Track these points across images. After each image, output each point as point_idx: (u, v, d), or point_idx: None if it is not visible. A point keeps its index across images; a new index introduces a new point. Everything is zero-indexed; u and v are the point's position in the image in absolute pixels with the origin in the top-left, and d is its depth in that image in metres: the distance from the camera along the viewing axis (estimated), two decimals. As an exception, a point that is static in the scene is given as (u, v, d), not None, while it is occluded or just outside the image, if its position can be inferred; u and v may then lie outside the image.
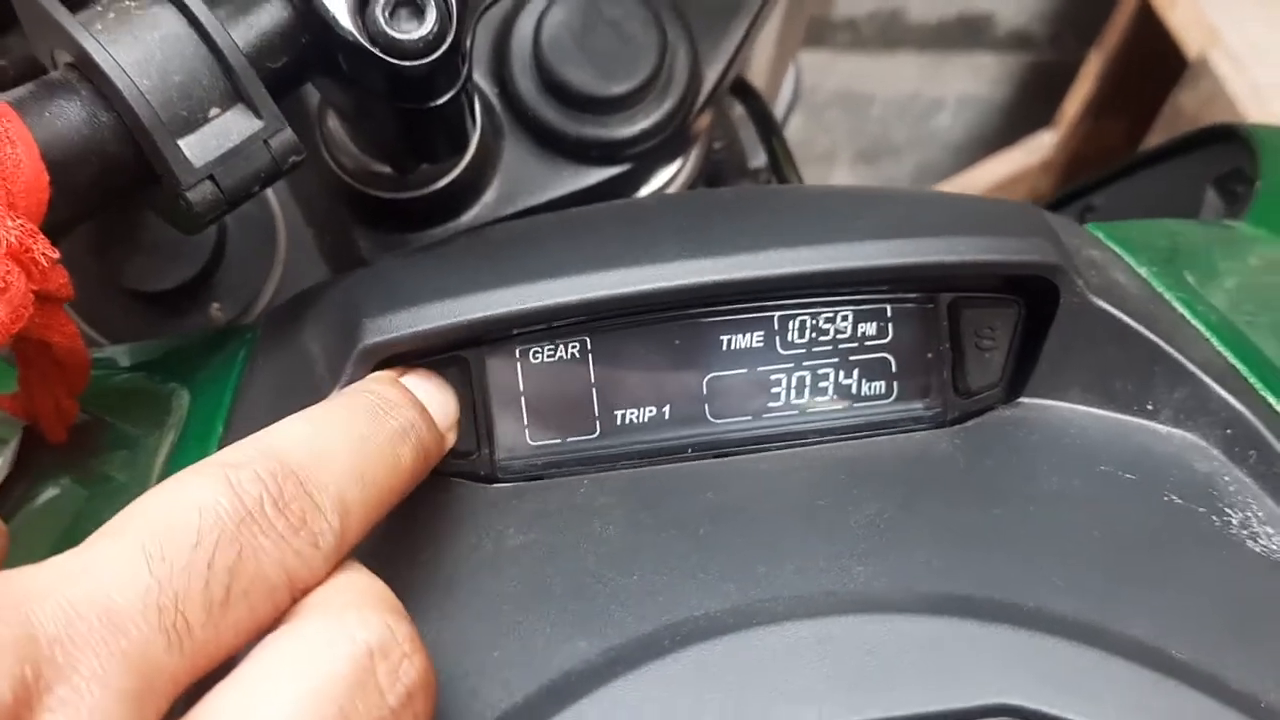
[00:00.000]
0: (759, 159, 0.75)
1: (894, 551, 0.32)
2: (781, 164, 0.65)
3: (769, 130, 0.66)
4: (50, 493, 0.40)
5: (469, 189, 0.51)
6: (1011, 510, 0.34)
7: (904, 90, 2.02)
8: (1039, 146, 1.87)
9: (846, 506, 0.34)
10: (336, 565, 0.28)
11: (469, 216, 0.51)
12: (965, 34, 1.94)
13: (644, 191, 0.56)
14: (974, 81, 2.02)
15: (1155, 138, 1.64)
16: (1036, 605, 0.30)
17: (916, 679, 0.28)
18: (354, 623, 0.25)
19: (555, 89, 0.50)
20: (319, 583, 0.27)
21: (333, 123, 0.49)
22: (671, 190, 0.57)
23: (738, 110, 0.73)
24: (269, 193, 0.53)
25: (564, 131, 0.51)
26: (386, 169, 0.49)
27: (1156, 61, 1.60)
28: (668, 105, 0.51)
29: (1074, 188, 0.69)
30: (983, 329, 0.38)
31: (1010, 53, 1.97)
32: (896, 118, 2.05)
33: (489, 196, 0.51)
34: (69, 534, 0.39)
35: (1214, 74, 1.48)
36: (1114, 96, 1.78)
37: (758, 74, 0.80)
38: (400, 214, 0.50)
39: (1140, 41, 1.66)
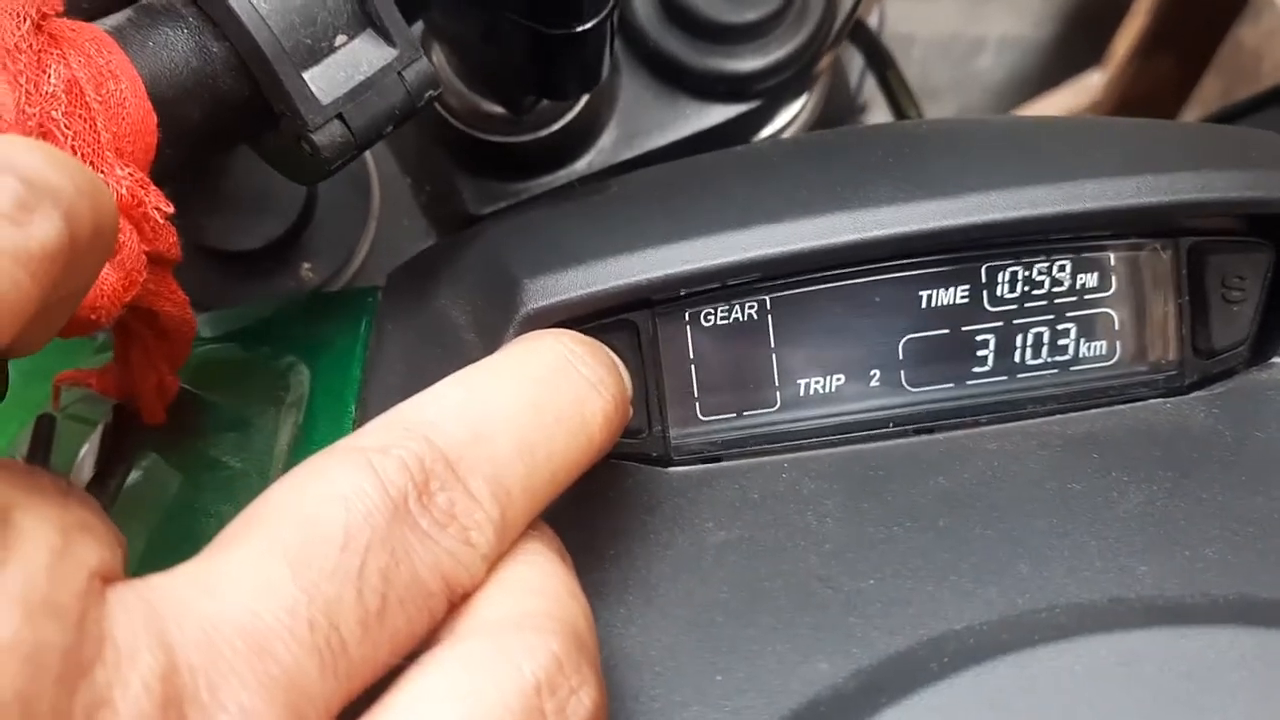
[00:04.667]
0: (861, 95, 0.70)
1: (1179, 546, 0.27)
2: (900, 98, 0.59)
3: (884, 63, 0.61)
4: (150, 479, 0.36)
5: (585, 132, 0.46)
6: (1301, 493, 0.29)
7: (945, 30, 1.96)
8: (1086, 88, 1.81)
9: (1109, 493, 0.29)
10: (501, 557, 0.23)
11: (583, 162, 0.46)
12: (1008, -31, 1.88)
13: (766, 132, 0.51)
14: (1016, 20, 1.96)
15: (1212, 76, 1.58)
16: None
17: (1246, 705, 0.23)
18: (519, 650, 0.21)
19: (680, 17, 0.45)
20: (477, 584, 0.23)
21: (438, 58, 0.43)
22: (793, 131, 0.52)
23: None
24: (360, 139, 0.48)
25: (689, 64, 0.46)
26: (498, 110, 0.43)
27: (1213, -7, 1.54)
28: (803, 34, 0.46)
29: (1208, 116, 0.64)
30: (1230, 278, 0.33)
31: (1055, -12, 1.91)
32: (937, 59, 1.99)
33: (605, 140, 0.46)
34: (176, 527, 0.34)
35: (1277, 6, 1.42)
36: (1167, 33, 1.71)
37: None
38: (510, 160, 0.45)
39: (1195, -28, 1.60)
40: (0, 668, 0.16)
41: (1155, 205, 0.30)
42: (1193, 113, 1.53)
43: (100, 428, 0.37)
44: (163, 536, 0.34)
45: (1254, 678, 0.24)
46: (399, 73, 0.31)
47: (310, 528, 0.21)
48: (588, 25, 0.34)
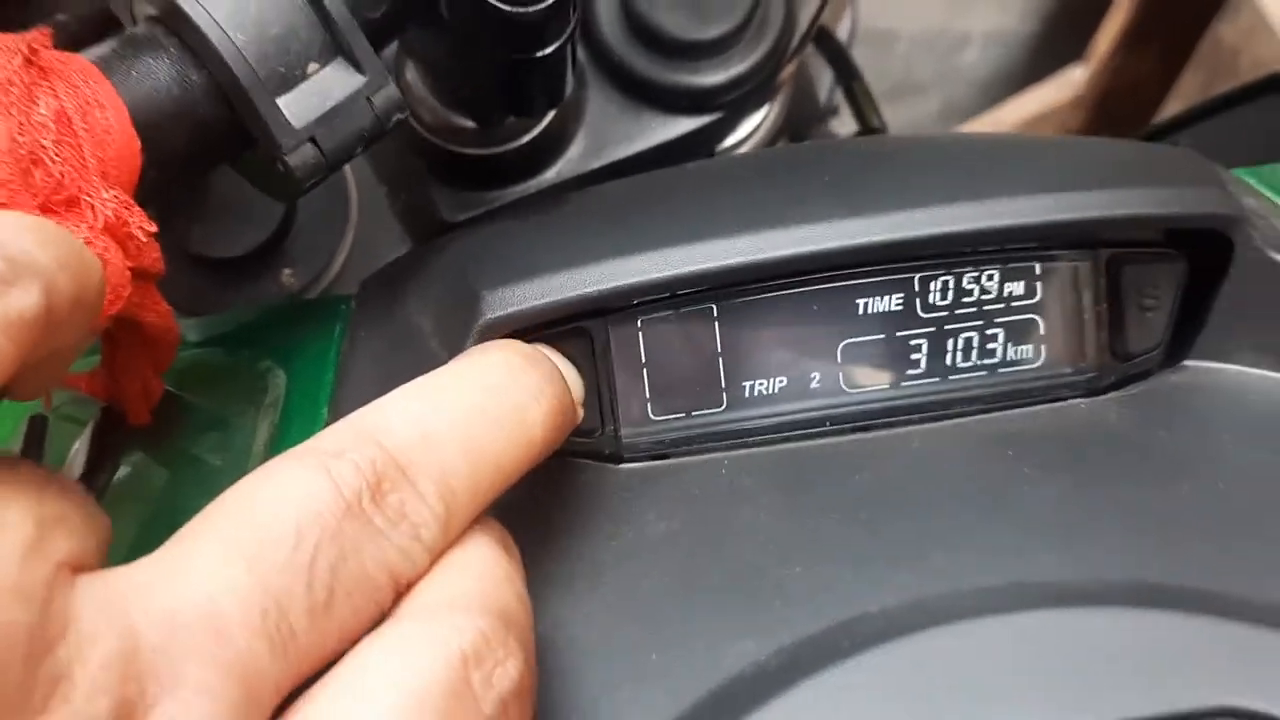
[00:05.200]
0: (823, 96, 0.72)
1: (1081, 536, 0.30)
2: (864, 108, 0.62)
3: (849, 75, 0.63)
4: (135, 476, 0.38)
5: (553, 143, 0.48)
6: (1199, 487, 0.31)
7: (929, 26, 1.97)
8: (1069, 82, 1.83)
9: (1020, 486, 0.31)
10: (446, 550, 0.25)
11: (552, 172, 0.48)
12: (991, -35, 1.90)
13: (730, 141, 0.53)
14: (1001, 15, 1.97)
15: (1192, 71, 1.60)
16: (1244, 594, 0.28)
17: (1130, 680, 0.26)
18: (448, 628, 0.23)
19: (644, 34, 0.47)
20: (423, 574, 0.25)
21: (411, 75, 0.45)
22: (757, 139, 0.54)
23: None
24: (339, 151, 0.50)
25: (653, 80, 0.48)
26: (469, 123, 0.46)
27: (1193, -10, 1.56)
28: (763, 48, 0.48)
29: (1154, 127, 0.66)
30: (1145, 287, 0.35)
31: (1039, -16, 1.92)
32: (921, 54, 2.00)
33: (574, 150, 0.49)
34: (157, 519, 0.36)
35: (1255, 3, 1.44)
36: (1148, 29, 1.73)
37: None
38: (482, 171, 0.47)
39: (1176, -31, 1.62)
40: None
41: (1071, 221, 0.33)
42: (1173, 107, 1.56)
43: (90, 427, 0.39)
44: (149, 528, 0.36)
45: (1141, 654, 0.26)
46: (368, 98, 0.33)
47: (266, 526, 0.23)
48: (549, 50, 0.36)
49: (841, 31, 0.85)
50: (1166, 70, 1.75)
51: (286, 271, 0.48)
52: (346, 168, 0.50)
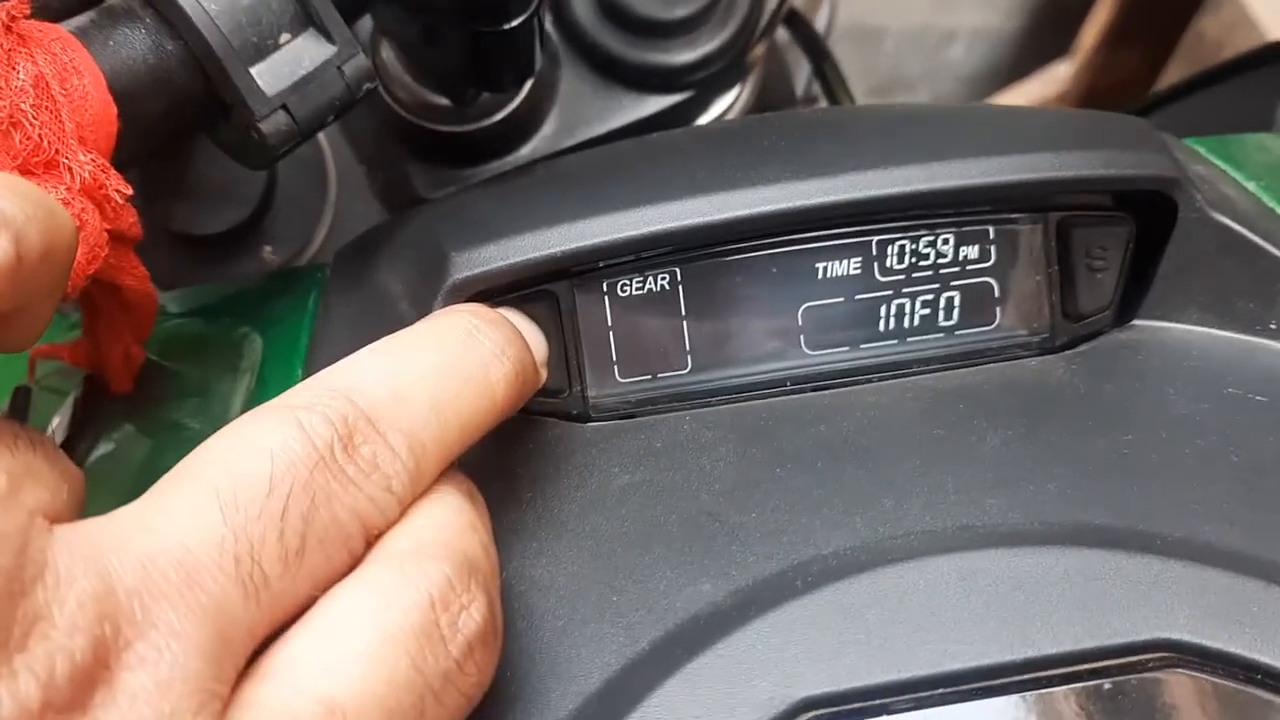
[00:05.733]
0: (800, 86, 0.73)
1: (1025, 482, 0.31)
2: (835, 89, 0.63)
3: (819, 55, 0.64)
4: (118, 443, 0.39)
5: (527, 121, 0.49)
6: (1141, 437, 0.32)
7: (916, 22, 1.99)
8: (1055, 78, 1.84)
9: (968, 437, 0.32)
10: (415, 500, 0.26)
11: (527, 150, 0.50)
12: (977, -38, 1.91)
13: (702, 121, 0.54)
14: (987, 12, 1.99)
15: (1176, 66, 1.61)
16: (1182, 534, 0.29)
17: (1069, 614, 0.27)
18: (416, 573, 0.24)
19: (615, 14, 0.49)
20: (393, 524, 0.26)
21: (387, 54, 0.46)
22: (729, 119, 0.55)
23: (780, 36, 0.71)
24: (318, 130, 0.51)
25: (624, 58, 0.49)
26: (444, 101, 0.47)
27: (1176, -14, 1.57)
28: (730, 28, 0.50)
29: (1131, 109, 0.67)
30: (1094, 249, 0.36)
31: (1024, -20, 1.94)
32: (909, 51, 2.01)
33: (547, 129, 0.50)
34: (140, 483, 0.37)
35: (1237, -2, 1.45)
36: (1132, 24, 1.74)
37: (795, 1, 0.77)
38: (457, 148, 0.48)
39: (1159, -35, 1.63)
40: None
41: (1020, 182, 0.34)
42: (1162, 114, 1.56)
43: (72, 397, 0.40)
44: (131, 492, 0.37)
45: (1078, 591, 0.27)
46: (338, 67, 0.34)
47: (240, 475, 0.23)
48: (515, 23, 0.37)
49: (820, 20, 0.87)
50: (1151, 65, 1.76)
51: (267, 249, 0.50)
52: (326, 147, 0.51)
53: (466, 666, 0.24)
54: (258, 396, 0.35)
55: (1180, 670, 0.26)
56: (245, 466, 0.24)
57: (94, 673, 0.20)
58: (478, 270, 0.33)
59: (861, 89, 1.96)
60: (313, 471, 0.24)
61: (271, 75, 0.33)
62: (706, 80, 0.50)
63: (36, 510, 0.21)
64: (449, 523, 0.26)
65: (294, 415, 0.25)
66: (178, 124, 0.34)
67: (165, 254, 0.50)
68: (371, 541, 0.25)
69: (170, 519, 0.23)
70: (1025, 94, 1.86)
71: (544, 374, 0.33)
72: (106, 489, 0.37)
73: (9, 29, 0.30)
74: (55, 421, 0.40)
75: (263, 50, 0.33)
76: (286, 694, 0.22)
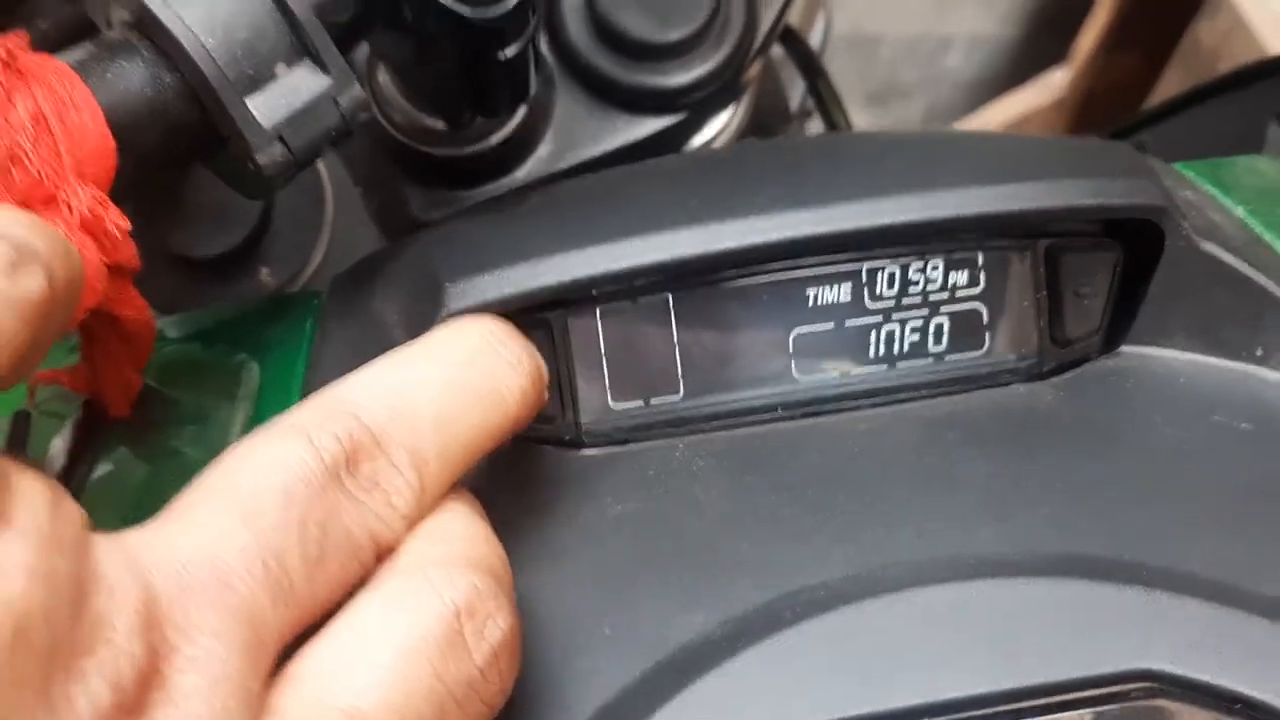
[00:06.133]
0: (795, 101, 0.74)
1: (1014, 511, 0.31)
2: (829, 107, 0.63)
3: (814, 72, 0.64)
4: (116, 468, 0.39)
5: (523, 144, 0.49)
6: (1129, 465, 0.32)
7: (913, 30, 1.99)
8: (1052, 84, 1.84)
9: (957, 465, 0.33)
10: (423, 516, 0.27)
11: (522, 172, 0.50)
12: (974, -31, 1.91)
13: (697, 141, 0.55)
14: (984, 19, 1.99)
15: (1172, 73, 1.62)
16: (1168, 564, 0.29)
17: (1056, 644, 0.27)
18: (440, 581, 0.25)
19: (609, 37, 0.49)
20: (400, 540, 0.26)
21: (383, 77, 0.47)
22: (724, 139, 0.56)
23: (774, 51, 0.71)
24: (315, 153, 0.52)
25: (618, 81, 0.49)
26: (440, 124, 0.47)
27: (1172, -8, 1.57)
28: (725, 50, 0.50)
29: (1122, 125, 0.68)
30: (1081, 275, 0.37)
31: (1020, -13, 1.94)
32: (905, 59, 2.02)
33: (542, 151, 0.50)
34: (139, 507, 0.37)
35: (1233, 6, 1.45)
36: (1129, 31, 1.75)
37: (791, 14, 0.78)
38: (453, 171, 0.49)
39: (1155, -29, 1.63)
40: (28, 590, 0.20)
41: (1008, 212, 0.34)
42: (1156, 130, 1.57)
43: (71, 422, 0.40)
44: (129, 516, 0.38)
45: (1064, 621, 0.28)
46: (334, 99, 0.35)
47: (256, 488, 0.24)
48: (509, 53, 0.38)
49: (815, 36, 0.87)
50: (1148, 72, 1.76)
51: (264, 271, 0.50)
52: (322, 170, 0.51)
53: (490, 675, 0.25)
54: (255, 424, 0.36)
55: (1163, 701, 0.27)
56: (262, 479, 0.25)
57: (149, 676, 0.21)
58: (474, 301, 0.33)
59: (858, 96, 1.97)
60: (324, 486, 0.25)
61: (268, 107, 0.34)
62: (701, 101, 0.51)
63: (80, 521, 0.22)
64: (467, 535, 0.27)
65: (304, 432, 0.26)
66: (175, 154, 0.35)
67: (163, 276, 0.50)
68: (382, 555, 0.26)
69: (198, 530, 0.24)
70: (1022, 101, 1.87)
71: (545, 398, 0.34)
72: (106, 512, 0.37)
73: (8, 65, 0.30)
74: (55, 445, 0.41)
75: (259, 82, 0.34)
76: (311, 703, 0.23)
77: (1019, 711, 0.27)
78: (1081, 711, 0.27)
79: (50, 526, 0.21)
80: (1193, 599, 0.28)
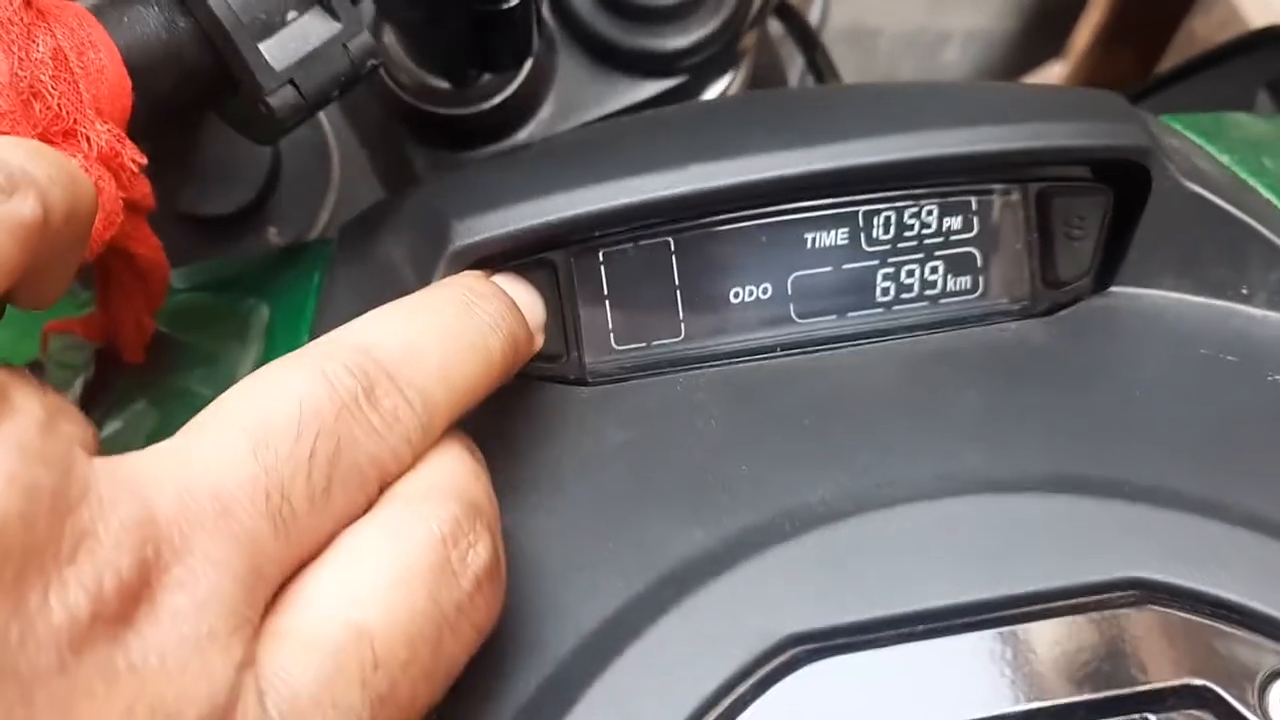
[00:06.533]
0: (794, 79, 0.75)
1: (1002, 435, 0.32)
2: (825, 78, 0.64)
3: (810, 45, 0.65)
4: (130, 415, 0.40)
5: (525, 105, 0.50)
6: (1116, 394, 0.33)
7: (910, 24, 2.00)
8: (1048, 78, 1.85)
9: (948, 394, 0.34)
10: (425, 451, 0.28)
11: (524, 133, 0.51)
12: (971, -36, 1.92)
13: (698, 105, 0.56)
14: (981, 14, 2.00)
15: (1168, 67, 1.62)
16: (1154, 482, 0.30)
17: (1044, 555, 0.28)
18: (427, 512, 0.26)
19: (610, 1, 0.50)
20: (404, 471, 0.27)
21: (389, 38, 0.48)
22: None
23: (774, 30, 0.72)
24: (321, 115, 0.53)
25: (618, 43, 0.50)
26: (444, 84, 0.48)
27: (1168, -14, 1.58)
28: (722, 14, 0.51)
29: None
30: (1072, 218, 0.38)
31: (1017, -18, 1.95)
32: (903, 53, 2.02)
33: (544, 112, 0.51)
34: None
35: (1228, -1, 1.46)
36: (1124, 25, 1.75)
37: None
38: (457, 131, 0.50)
39: (1151, -34, 1.64)
40: (3, 494, 0.20)
41: (1000, 151, 0.35)
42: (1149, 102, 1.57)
43: (83, 374, 0.41)
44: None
45: (1052, 533, 0.28)
46: (344, 44, 0.36)
47: (270, 417, 0.25)
48: (512, 2, 0.39)
49: (812, 17, 0.88)
50: (1143, 65, 1.77)
51: (272, 230, 0.51)
52: (329, 131, 0.52)
53: (476, 599, 0.26)
54: (266, 363, 0.37)
55: (1150, 607, 0.28)
56: (274, 409, 0.25)
57: (137, 590, 0.21)
58: (478, 238, 0.34)
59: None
60: (336, 418, 0.26)
61: (280, 51, 0.35)
62: (699, 66, 0.52)
63: (75, 440, 0.23)
64: (456, 470, 0.28)
65: (319, 365, 0.26)
66: (189, 98, 0.35)
67: (172, 235, 0.51)
68: (384, 487, 0.27)
69: (205, 455, 0.24)
70: (1019, 94, 1.87)
71: (540, 339, 0.35)
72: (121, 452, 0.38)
73: (29, 4, 0.31)
74: (69, 395, 0.42)
75: (271, 27, 0.35)
76: (316, 619, 0.24)
77: (1011, 618, 0.27)
78: (1071, 617, 0.27)
79: (39, 440, 0.21)
80: (1178, 511, 0.29)
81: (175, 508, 0.23)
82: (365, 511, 0.26)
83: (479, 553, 0.26)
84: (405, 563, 0.25)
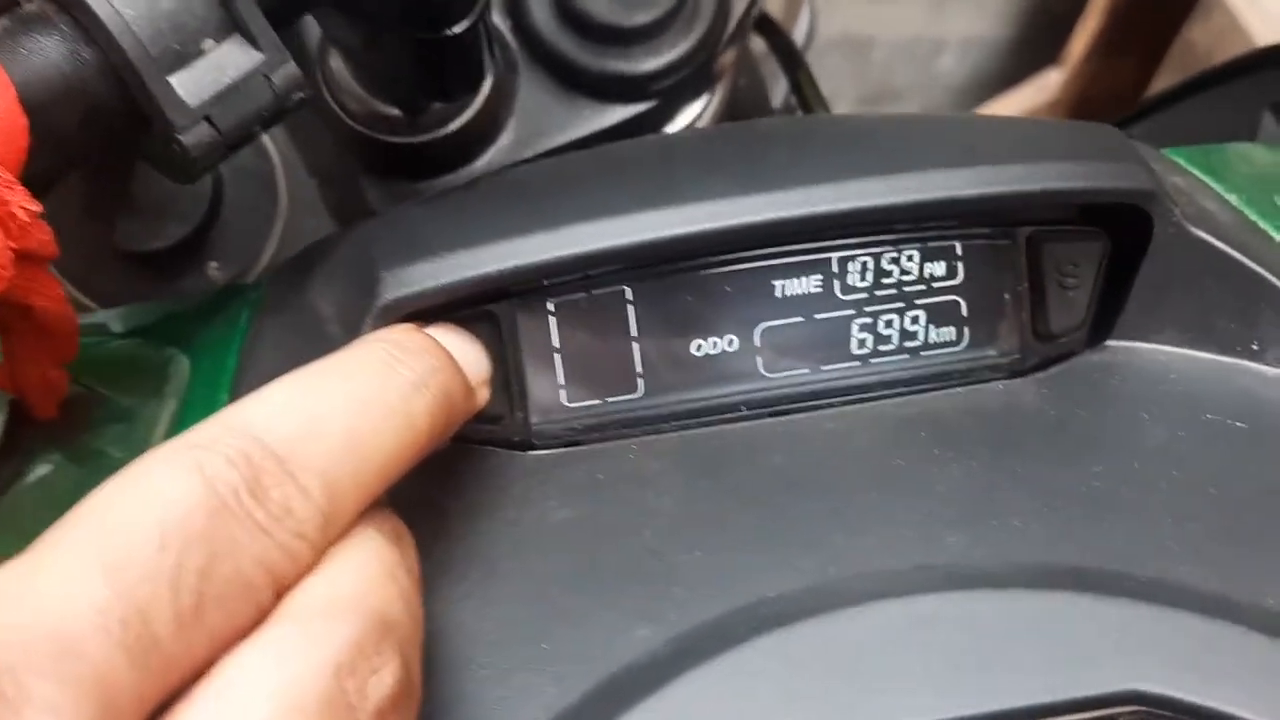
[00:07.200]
0: (779, 98, 0.72)
1: (989, 518, 0.29)
2: (808, 98, 0.61)
3: (793, 63, 0.62)
4: (42, 472, 0.37)
5: (484, 132, 0.47)
6: (1114, 467, 0.30)
7: (906, 32, 1.98)
8: (1045, 86, 1.83)
9: (929, 468, 0.30)
10: (331, 545, 0.24)
11: (483, 162, 0.48)
12: (967, -29, 1.90)
13: (668, 131, 0.52)
14: (977, 21, 1.98)
15: (1166, 74, 1.60)
16: (1154, 575, 0.27)
17: (1033, 664, 0.25)
18: (322, 634, 0.22)
19: (574, 20, 0.47)
20: (305, 574, 0.24)
21: (335, 62, 0.45)
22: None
23: (757, 46, 0.69)
24: (268, 142, 0.50)
25: (584, 66, 0.47)
26: (395, 111, 0.45)
27: (1165, -6, 1.56)
28: (695, 36, 0.48)
29: (1116, 120, 0.66)
30: (1066, 265, 0.35)
31: (1013, -10, 1.93)
32: (899, 61, 2.00)
33: (505, 140, 0.48)
34: (64, 513, 0.35)
35: (1226, 7, 1.44)
36: (1122, 33, 1.73)
37: (773, 10, 0.76)
38: (411, 161, 0.46)
39: (1149, -26, 1.62)
40: None
41: (985, 196, 0.32)
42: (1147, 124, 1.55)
43: (-2, 417, 0.38)
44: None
45: (1043, 638, 0.25)
46: (266, 76, 0.32)
47: (126, 531, 0.21)
48: (456, 30, 0.36)
49: (799, 32, 0.85)
50: (1141, 73, 1.75)
51: (213, 264, 0.48)
52: (276, 159, 0.49)
53: None
54: (181, 422, 0.33)
55: (1152, 724, 0.24)
56: (134, 520, 0.22)
57: None
58: (409, 290, 0.31)
59: (851, 99, 1.95)
60: (212, 521, 0.22)
61: (194, 85, 0.32)
62: (671, 89, 0.49)
63: None
64: (364, 573, 0.24)
65: (192, 458, 0.23)
66: (98, 137, 0.32)
67: (110, 272, 0.48)
68: (282, 591, 0.23)
69: (49, 584, 0.21)
70: (1016, 103, 1.85)
71: (485, 394, 0.32)
72: (32, 518, 0.35)
73: (-96, 36, 0.28)
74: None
75: (184, 58, 0.32)
76: None
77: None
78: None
79: None
80: (1183, 613, 0.25)
81: (12, 653, 0.19)
82: (256, 624, 0.23)
83: (383, 680, 0.23)
84: (290, 696, 0.21)
